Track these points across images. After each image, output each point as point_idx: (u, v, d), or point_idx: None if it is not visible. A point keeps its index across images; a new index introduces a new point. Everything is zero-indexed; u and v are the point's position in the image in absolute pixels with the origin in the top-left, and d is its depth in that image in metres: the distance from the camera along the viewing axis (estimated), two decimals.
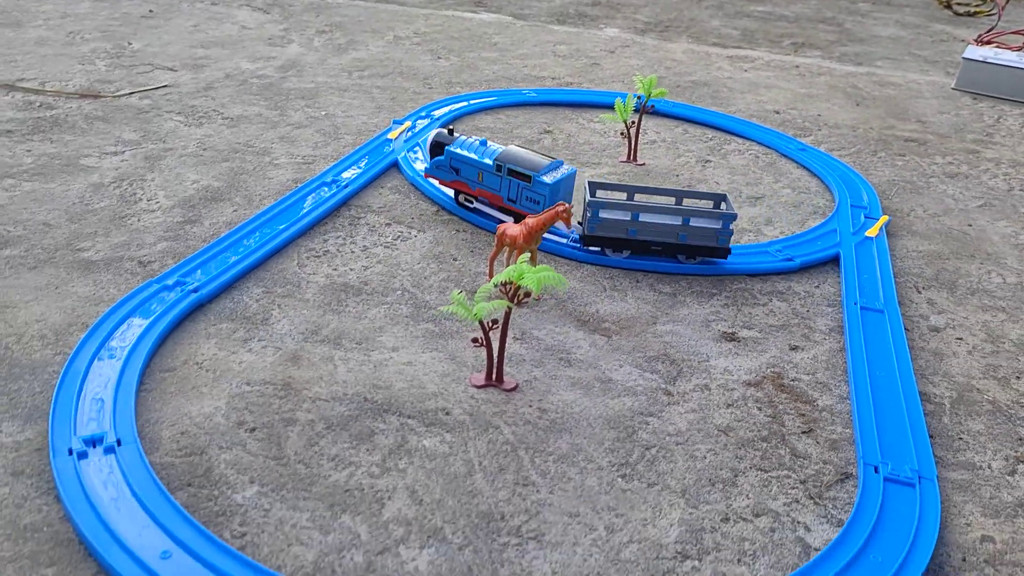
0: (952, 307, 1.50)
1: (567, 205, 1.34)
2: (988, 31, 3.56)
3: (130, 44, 2.60)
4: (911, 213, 1.87)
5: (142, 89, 2.23)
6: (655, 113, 2.30)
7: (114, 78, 2.31)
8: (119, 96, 2.18)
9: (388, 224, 1.59)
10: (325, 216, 1.60)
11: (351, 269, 1.44)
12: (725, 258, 1.51)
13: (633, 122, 1.97)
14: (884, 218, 1.76)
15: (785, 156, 2.13)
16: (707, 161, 2.05)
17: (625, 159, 1.99)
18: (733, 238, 1.59)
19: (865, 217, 1.76)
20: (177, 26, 2.74)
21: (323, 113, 2.11)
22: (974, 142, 2.36)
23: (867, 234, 1.68)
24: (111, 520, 0.93)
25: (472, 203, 1.61)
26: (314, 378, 1.16)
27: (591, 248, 1.51)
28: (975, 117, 2.57)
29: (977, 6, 4.25)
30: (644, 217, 1.49)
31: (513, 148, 1.56)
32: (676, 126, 2.28)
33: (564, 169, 1.53)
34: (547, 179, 1.48)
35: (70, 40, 2.62)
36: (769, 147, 2.18)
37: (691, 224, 1.48)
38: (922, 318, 1.46)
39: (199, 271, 1.36)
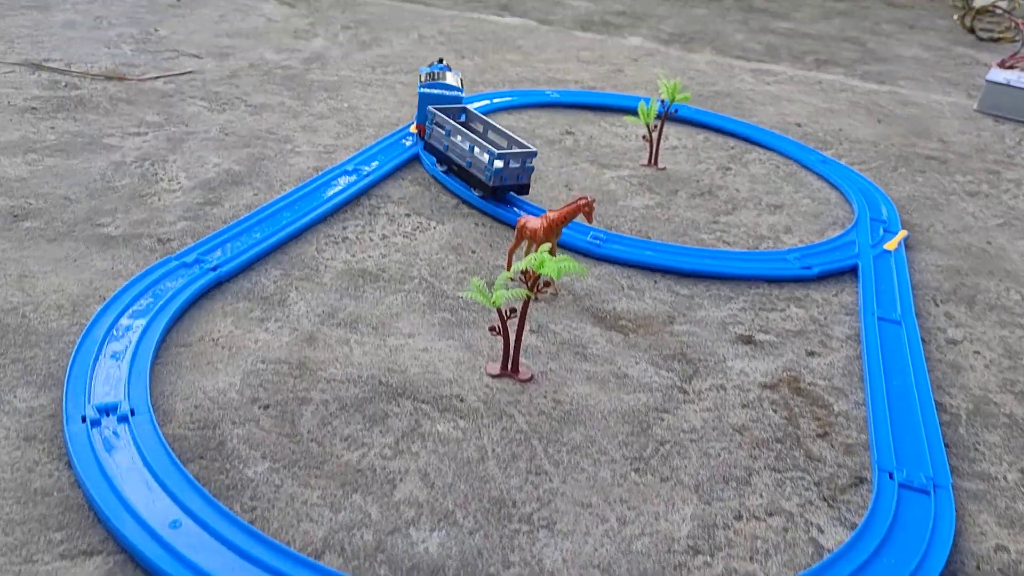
0: (970, 321, 1.49)
1: (589, 199, 1.33)
2: (1012, 56, 3.55)
3: (156, 31, 2.62)
4: (930, 229, 1.86)
5: (167, 74, 2.24)
6: (678, 119, 2.30)
7: (139, 62, 2.33)
8: (144, 79, 2.19)
9: (407, 215, 1.59)
10: (345, 204, 1.60)
11: (369, 256, 1.45)
12: (493, 196, 1.60)
13: (655, 127, 1.97)
14: (903, 232, 1.75)
15: (806, 167, 2.13)
16: (727, 168, 2.04)
17: (646, 163, 1.99)
18: (753, 243, 1.59)
19: (884, 231, 1.75)
20: (203, 16, 2.76)
21: (346, 105, 2.11)
22: (995, 162, 2.35)
23: (886, 247, 1.67)
24: (122, 488, 0.92)
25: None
26: (329, 359, 1.16)
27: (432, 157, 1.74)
28: (997, 138, 2.56)
29: (1001, 32, 4.24)
30: (453, 138, 1.67)
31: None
32: (698, 133, 2.28)
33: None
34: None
35: (97, 24, 2.64)
36: (790, 158, 2.17)
37: (474, 153, 1.61)
38: (939, 331, 1.45)
39: (219, 250, 1.36)
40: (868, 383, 1.23)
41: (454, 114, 1.77)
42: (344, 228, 1.53)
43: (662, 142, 2.13)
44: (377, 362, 1.17)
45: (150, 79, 2.21)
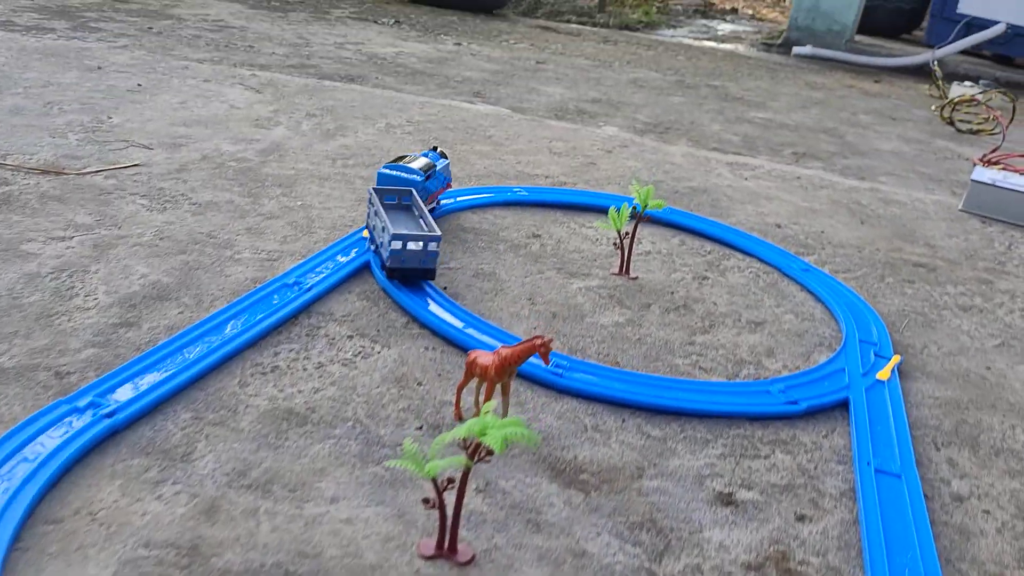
0: (975, 469, 1.33)
1: (545, 339, 1.18)
2: (993, 151, 3.51)
3: (109, 118, 2.49)
4: (924, 351, 1.72)
5: (110, 168, 2.10)
6: (653, 221, 2.18)
7: (83, 154, 2.18)
8: (84, 173, 2.05)
9: (350, 336, 1.42)
10: (280, 324, 1.44)
11: (299, 391, 1.27)
12: (398, 279, 1.58)
13: (627, 233, 1.83)
14: (896, 358, 1.60)
15: (787, 276, 2.00)
16: (704, 278, 1.91)
17: (617, 271, 1.85)
18: (732, 369, 1.43)
19: (876, 355, 1.61)
20: (163, 102, 2.64)
21: (299, 203, 1.97)
22: (986, 270, 2.23)
23: (878, 376, 1.52)
24: None
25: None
26: (229, 539, 0.97)
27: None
28: (985, 243, 2.46)
29: (979, 124, 4.24)
30: (373, 219, 1.69)
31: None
32: (673, 235, 2.15)
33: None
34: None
35: (46, 111, 2.51)
36: (771, 265, 2.04)
37: (383, 233, 1.60)
38: (943, 483, 1.29)
39: (120, 389, 1.18)
40: (868, 562, 1.06)
41: (398, 196, 1.78)
42: (276, 355, 1.36)
43: (635, 246, 2.00)
44: (287, 542, 0.98)
45: (91, 173, 2.06)
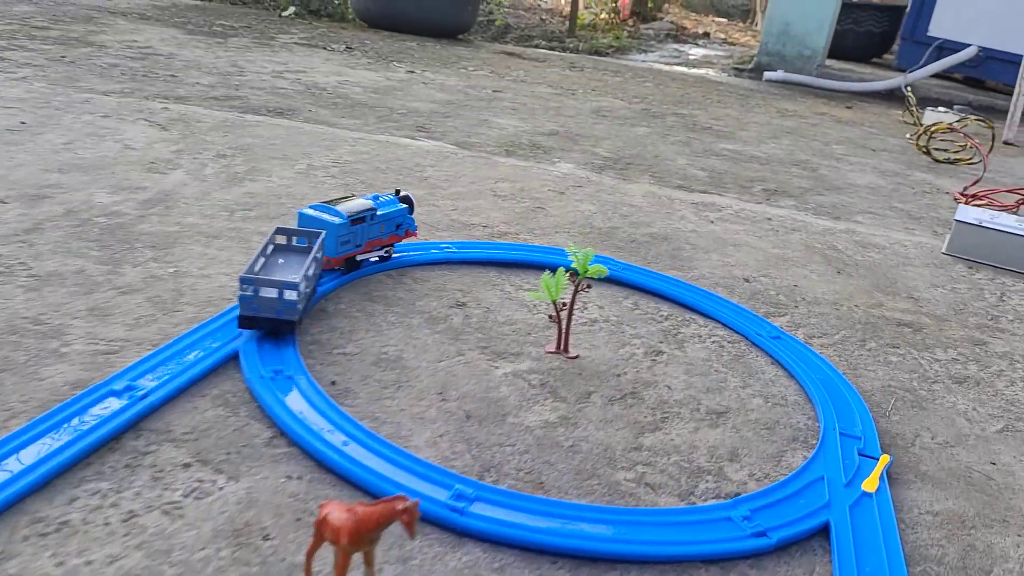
0: None
1: (409, 504, 0.87)
2: (973, 183, 3.28)
3: None
4: (916, 441, 1.44)
5: None
6: (606, 280, 1.90)
7: None
8: None
9: (186, 465, 1.11)
10: (91, 451, 1.10)
11: (87, 562, 0.95)
12: (240, 327, 1.40)
13: (564, 304, 1.55)
14: (884, 459, 1.32)
15: (756, 345, 1.72)
16: (658, 352, 1.62)
17: (554, 348, 1.56)
18: (687, 484, 1.15)
19: (860, 455, 1.33)
20: (44, 143, 2.33)
21: (171, 270, 1.66)
22: (978, 327, 1.98)
23: (864, 487, 1.24)
24: None
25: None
26: None
27: None
28: (974, 294, 2.20)
29: (956, 152, 4.03)
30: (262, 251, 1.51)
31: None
32: (626, 296, 1.87)
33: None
34: None
35: None
36: (736, 331, 1.77)
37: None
38: None
39: None
40: None
41: (308, 238, 1.59)
42: (72, 501, 1.03)
43: (581, 312, 1.72)
44: None
45: None
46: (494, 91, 4.19)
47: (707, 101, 4.84)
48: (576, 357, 1.55)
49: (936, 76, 7.16)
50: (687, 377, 1.54)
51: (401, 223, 1.80)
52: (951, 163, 3.88)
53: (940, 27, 7.00)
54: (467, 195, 2.43)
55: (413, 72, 4.45)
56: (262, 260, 1.49)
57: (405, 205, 1.81)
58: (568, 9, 8.33)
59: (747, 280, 2.08)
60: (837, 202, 2.95)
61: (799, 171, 3.35)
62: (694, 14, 11.91)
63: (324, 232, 1.60)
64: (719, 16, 12.35)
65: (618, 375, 1.51)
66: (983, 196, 2.96)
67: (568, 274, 1.53)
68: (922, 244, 2.58)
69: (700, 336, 1.73)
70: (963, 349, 1.85)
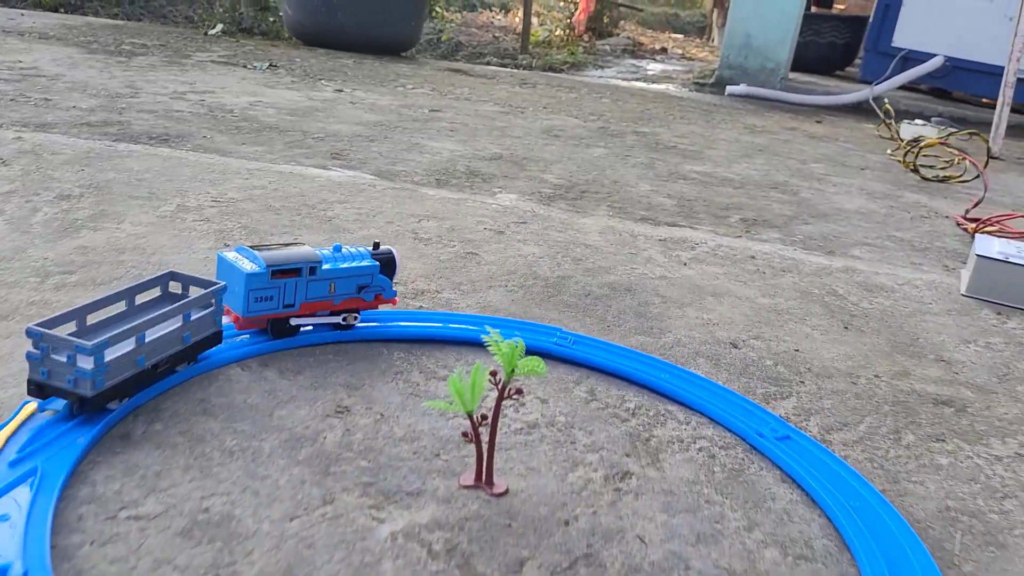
0: None
1: None
2: (974, 205, 2.88)
3: None
4: None
5: None
6: (552, 358, 1.42)
7: None
8: None
9: None
10: None
11: None
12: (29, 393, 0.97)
13: (483, 419, 1.06)
14: None
15: (757, 451, 1.25)
16: (624, 477, 1.14)
17: (472, 481, 1.07)
18: None
19: None
20: None
21: None
22: None
23: None
24: None
25: None
26: None
27: None
28: (1016, 351, 1.76)
29: (943, 168, 3.65)
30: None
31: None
32: (579, 381, 1.39)
33: None
34: None
35: None
36: (729, 429, 1.29)
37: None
38: None
39: None
40: None
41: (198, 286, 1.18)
42: None
43: (514, 412, 1.23)
44: None
45: None
46: (432, 111, 3.71)
47: (669, 118, 4.43)
48: (504, 493, 1.06)
49: (902, 87, 6.89)
50: (667, 517, 1.06)
51: (367, 285, 1.37)
52: (941, 181, 3.49)
53: (904, 37, 6.73)
54: (381, 239, 1.93)
55: (342, 91, 3.96)
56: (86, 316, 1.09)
57: (376, 263, 1.38)
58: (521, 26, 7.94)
59: (735, 345, 1.61)
60: (828, 232, 2.52)
61: (779, 195, 2.93)
62: (651, 31, 11.64)
63: (222, 284, 1.19)
64: (675, 32, 12.11)
65: (566, 522, 1.02)
66: (993, 221, 2.56)
67: (490, 373, 1.04)
68: (935, 283, 2.15)
69: (681, 440, 1.25)
70: None
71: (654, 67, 7.51)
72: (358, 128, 3.14)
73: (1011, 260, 2.03)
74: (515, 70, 6.10)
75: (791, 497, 1.14)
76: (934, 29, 6.61)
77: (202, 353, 1.21)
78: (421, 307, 1.58)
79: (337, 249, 1.37)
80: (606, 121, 4.05)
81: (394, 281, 1.44)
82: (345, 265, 1.34)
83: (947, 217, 2.88)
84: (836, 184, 3.23)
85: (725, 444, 1.25)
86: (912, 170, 3.54)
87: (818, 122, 5.06)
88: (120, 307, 1.18)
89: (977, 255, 2.06)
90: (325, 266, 1.31)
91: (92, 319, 1.11)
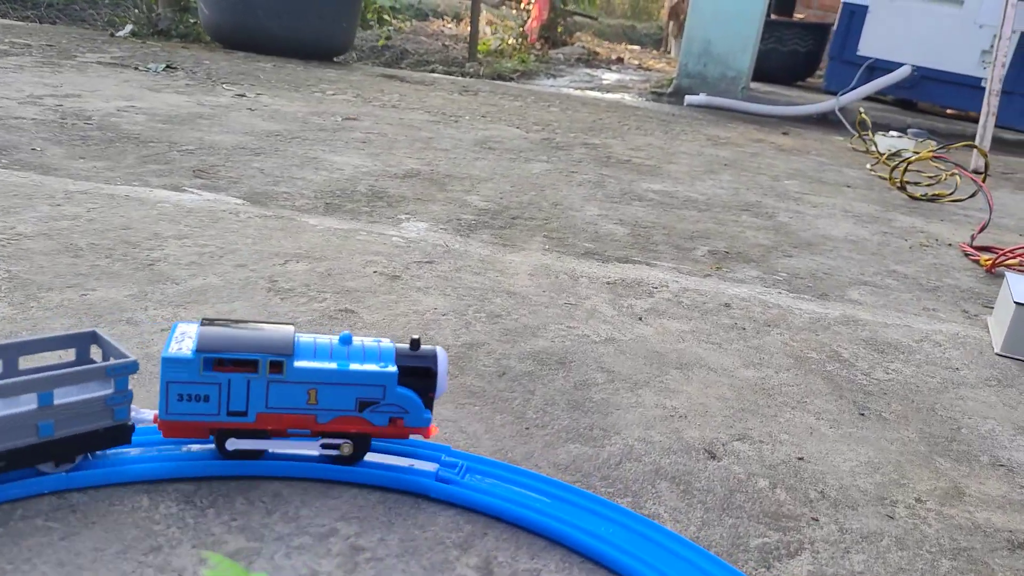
0: None
1: None
2: (980, 229, 2.44)
3: None
4: None
5: None
6: (428, 499, 0.89)
7: None
8: None
9: None
10: None
11: None
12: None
13: None
14: None
15: None
16: None
17: None
18: None
19: None
20: None
21: None
22: None
23: None
24: None
25: None
26: None
27: None
28: None
29: (930, 185, 3.23)
30: None
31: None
32: (466, 543, 0.86)
33: None
34: None
35: None
36: None
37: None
38: None
39: None
40: None
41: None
42: None
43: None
44: None
45: None
46: (346, 119, 3.17)
47: (624, 128, 3.95)
48: None
49: (868, 98, 6.56)
50: None
51: (377, 401, 0.87)
52: (931, 200, 3.06)
53: (870, 46, 6.40)
54: (221, 292, 1.38)
55: (243, 96, 3.39)
56: None
57: (397, 369, 0.88)
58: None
59: (712, 454, 1.10)
60: (816, 267, 2.03)
61: (752, 219, 2.44)
62: (607, 42, 11.28)
63: (130, 360, 0.85)
64: (632, 44, 11.77)
65: None
66: (1015, 253, 2.10)
67: None
68: (960, 337, 1.67)
69: None
70: None
71: (609, 76, 7.07)
72: (245, 139, 2.59)
73: None
74: (459, 78, 5.60)
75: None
76: (901, 37, 6.29)
77: (95, 452, 0.86)
78: None
79: (346, 340, 0.90)
80: (552, 132, 3.55)
81: (435, 400, 0.93)
82: (335, 366, 0.86)
83: (951, 245, 2.42)
84: (816, 205, 2.76)
85: None
86: (899, 187, 3.09)
87: (784, 134, 4.64)
88: None
89: (1016, 303, 1.59)
90: (300, 362, 0.85)
91: None
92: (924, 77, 6.22)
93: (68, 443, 0.82)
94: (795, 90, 7.43)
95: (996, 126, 6.58)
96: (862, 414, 1.28)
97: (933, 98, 6.55)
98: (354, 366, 0.86)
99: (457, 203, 2.18)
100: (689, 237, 2.16)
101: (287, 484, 0.90)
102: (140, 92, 3.16)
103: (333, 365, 0.86)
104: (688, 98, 5.50)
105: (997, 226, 2.74)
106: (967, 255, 2.30)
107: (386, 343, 0.90)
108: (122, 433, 0.86)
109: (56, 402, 0.80)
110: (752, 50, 5.88)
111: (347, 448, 0.90)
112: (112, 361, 0.85)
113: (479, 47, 7.26)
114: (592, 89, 5.91)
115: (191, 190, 1.95)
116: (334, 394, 0.86)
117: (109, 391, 0.84)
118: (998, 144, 5.28)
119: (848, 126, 4.68)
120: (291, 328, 0.88)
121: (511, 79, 6.09)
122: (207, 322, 0.86)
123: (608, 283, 1.71)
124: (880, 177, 3.40)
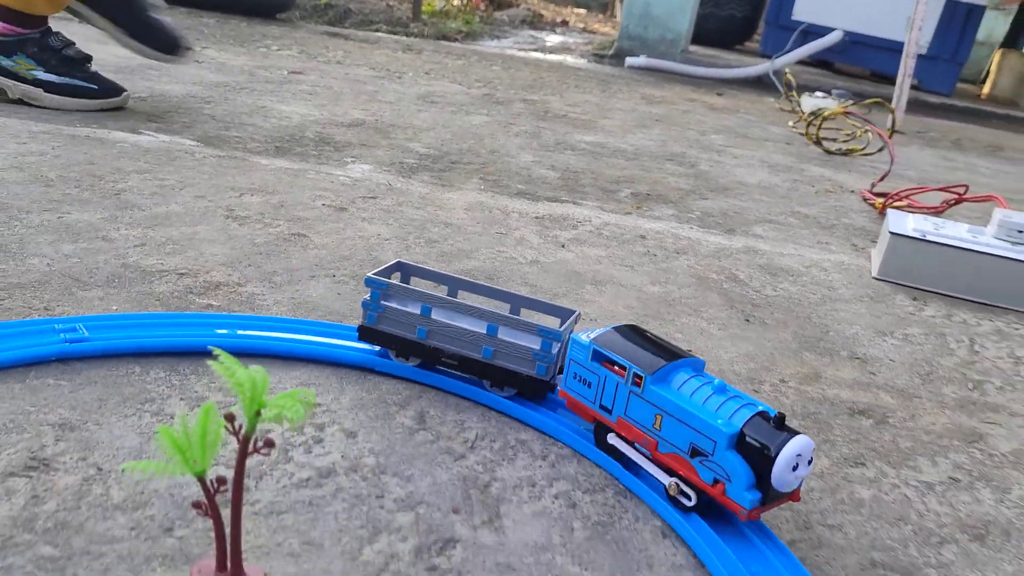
0: None
1: None
2: (880, 178, 2.69)
3: None
4: None
5: None
6: (374, 371, 1.07)
7: None
8: None
9: None
10: None
11: None
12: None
13: (222, 483, 0.69)
14: None
15: (631, 492, 0.93)
16: (445, 547, 0.80)
17: (213, 572, 0.70)
18: None
19: None
20: None
21: None
22: (961, 407, 1.29)
23: None
24: None
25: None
26: None
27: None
28: (936, 344, 1.53)
29: (845, 141, 3.49)
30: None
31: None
32: (405, 402, 1.04)
33: None
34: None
35: None
36: (599, 465, 0.98)
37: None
38: None
39: None
40: None
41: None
42: None
43: (304, 450, 0.87)
44: None
45: None
46: (292, 72, 3.27)
47: (563, 87, 4.12)
48: None
49: (800, 62, 6.84)
50: None
51: (706, 455, 0.84)
52: (844, 154, 3.32)
53: (804, 11, 6.66)
54: (183, 218, 1.53)
55: (189, 50, 3.45)
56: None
57: (735, 431, 0.83)
58: None
59: None
60: (727, 208, 2.25)
61: (675, 167, 2.66)
62: (552, 4, 11.35)
63: (557, 331, 1.02)
64: (578, 8, 11.87)
65: None
66: (902, 196, 2.35)
67: (226, 417, 0.68)
68: (844, 265, 1.91)
69: (533, 484, 0.92)
70: (956, 455, 1.14)
71: (553, 39, 7.20)
72: (195, 88, 2.68)
73: (928, 238, 1.80)
74: (403, 37, 5.67)
75: (673, 560, 0.83)
76: (833, 3, 6.56)
77: (534, 394, 1.05)
78: (209, 306, 1.20)
79: (721, 389, 0.87)
80: (493, 88, 3.70)
81: (770, 499, 0.83)
82: (680, 402, 0.87)
83: (853, 192, 2.67)
84: (737, 156, 2.99)
85: (592, 486, 0.93)
86: (815, 143, 3.34)
87: (719, 95, 4.86)
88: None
89: (891, 232, 1.83)
90: (657, 385, 0.88)
91: None
92: (854, 42, 6.53)
93: (501, 372, 1.03)
94: (733, 53, 7.67)
95: (921, 89, 6.93)
96: (748, 320, 1.50)
97: (863, 62, 6.87)
98: (700, 412, 0.84)
99: (400, 149, 2.33)
100: (615, 181, 2.35)
101: (257, 359, 1.06)
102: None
103: (679, 401, 0.86)
104: (628, 60, 5.68)
105: (901, 177, 3.01)
106: (865, 200, 2.55)
107: (752, 403, 0.86)
108: (540, 387, 1.03)
109: (498, 335, 1.02)
110: (691, 13, 6.08)
111: (673, 489, 0.88)
112: (541, 325, 1.01)
113: (424, 8, 7.30)
114: (535, 50, 6.05)
115: (148, 132, 2.06)
116: (673, 428, 0.87)
117: (536, 347, 1.02)
118: (920, 106, 5.60)
119: (780, 88, 4.93)
120: (687, 355, 0.92)
121: (455, 40, 6.17)
122: (623, 327, 0.97)
123: (536, 218, 1.90)
124: (800, 134, 3.65)
